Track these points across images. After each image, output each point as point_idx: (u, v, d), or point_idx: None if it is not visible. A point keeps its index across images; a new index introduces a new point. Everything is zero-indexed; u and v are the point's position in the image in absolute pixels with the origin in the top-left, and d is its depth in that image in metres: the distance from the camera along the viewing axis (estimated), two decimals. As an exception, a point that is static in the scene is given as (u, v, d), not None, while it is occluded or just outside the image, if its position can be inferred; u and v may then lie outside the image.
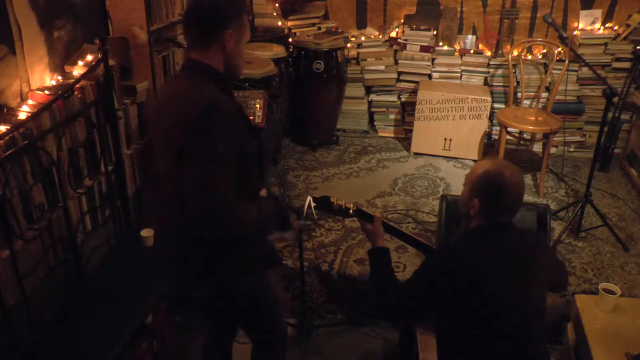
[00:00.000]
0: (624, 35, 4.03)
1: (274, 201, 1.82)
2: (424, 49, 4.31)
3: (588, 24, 4.17)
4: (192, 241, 1.66)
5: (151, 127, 1.75)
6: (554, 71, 4.04)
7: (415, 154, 4.27)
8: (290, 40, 4.31)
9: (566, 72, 3.88)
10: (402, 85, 4.44)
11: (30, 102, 2.16)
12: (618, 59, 4.08)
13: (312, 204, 1.93)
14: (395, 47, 4.42)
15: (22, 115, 2.05)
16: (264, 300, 1.97)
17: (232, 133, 1.55)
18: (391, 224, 2.05)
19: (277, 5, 4.38)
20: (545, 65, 4.19)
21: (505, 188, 1.75)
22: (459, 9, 4.37)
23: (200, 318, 2.15)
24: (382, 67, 4.42)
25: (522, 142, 4.38)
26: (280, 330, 2.10)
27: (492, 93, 4.22)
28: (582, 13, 4.17)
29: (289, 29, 4.42)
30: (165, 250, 1.82)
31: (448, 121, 4.11)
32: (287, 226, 1.89)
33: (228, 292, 1.80)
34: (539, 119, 3.79)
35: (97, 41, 2.33)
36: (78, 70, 2.41)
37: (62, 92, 2.16)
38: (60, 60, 2.41)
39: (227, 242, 1.66)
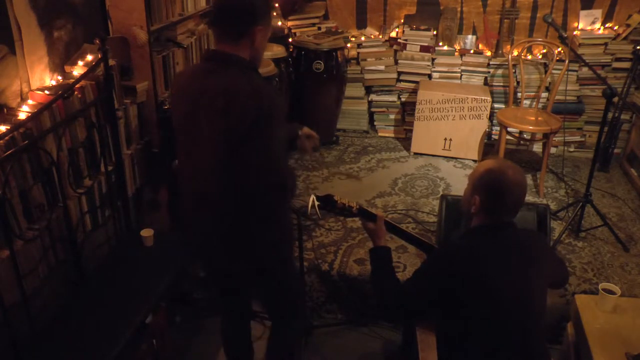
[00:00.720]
0: (624, 35, 4.03)
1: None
2: (424, 49, 4.31)
3: (588, 24, 4.17)
4: (248, 218, 1.78)
5: (190, 119, 1.77)
6: (554, 71, 4.04)
7: (415, 154, 4.28)
8: (290, 40, 4.32)
9: (566, 72, 3.88)
10: (402, 85, 4.44)
11: (30, 102, 2.16)
12: (618, 59, 4.08)
13: (316, 203, 1.92)
14: (395, 47, 4.42)
15: (22, 115, 2.05)
16: (295, 274, 2.14)
17: (284, 117, 1.76)
18: (393, 223, 2.05)
19: (277, 5, 4.37)
20: (545, 65, 4.19)
21: (506, 186, 1.75)
22: (459, 9, 4.37)
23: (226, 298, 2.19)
24: (382, 67, 4.42)
25: (522, 142, 4.38)
26: (302, 311, 2.24)
27: (492, 93, 4.22)
28: (582, 13, 4.17)
29: (289, 29, 4.43)
30: (213, 230, 1.87)
31: (448, 121, 4.11)
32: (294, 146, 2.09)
33: (275, 262, 1.93)
34: (539, 119, 3.79)
35: (97, 41, 2.33)
36: (78, 70, 2.41)
37: (62, 92, 2.16)
38: (60, 60, 2.41)
39: (276, 212, 1.84)
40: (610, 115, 3.88)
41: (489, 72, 4.31)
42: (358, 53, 4.44)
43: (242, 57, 1.73)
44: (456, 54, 4.34)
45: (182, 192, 1.94)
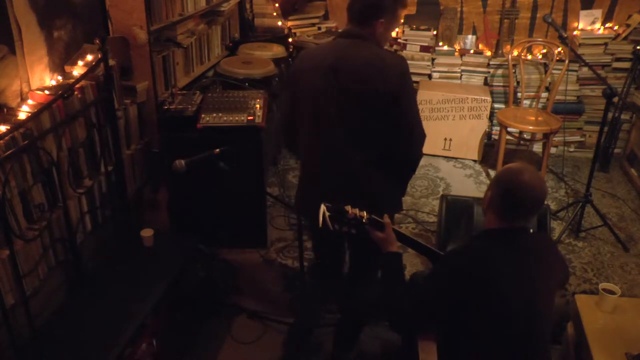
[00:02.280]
0: (624, 35, 4.03)
1: None
2: (424, 49, 4.31)
3: (588, 24, 4.17)
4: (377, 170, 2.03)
5: (330, 90, 1.95)
6: (554, 71, 4.04)
7: (415, 154, 4.27)
8: (290, 40, 4.31)
9: (566, 72, 3.88)
10: (402, 85, 4.43)
11: (30, 102, 2.16)
12: (618, 59, 4.08)
13: (327, 214, 1.88)
14: (395, 47, 4.42)
15: (22, 115, 2.05)
16: None
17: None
18: (399, 230, 2.02)
19: (277, 5, 4.38)
20: (545, 65, 4.19)
21: (517, 185, 1.73)
22: (459, 9, 4.37)
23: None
24: (382, 67, 4.41)
25: (522, 142, 4.38)
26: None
27: (492, 93, 4.22)
28: (582, 13, 4.17)
29: (289, 29, 4.43)
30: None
31: (448, 121, 4.11)
32: None
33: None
34: (539, 119, 3.79)
35: (97, 41, 2.33)
36: (78, 70, 2.41)
37: (62, 92, 2.16)
38: (60, 60, 2.41)
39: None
40: (610, 115, 3.88)
41: (489, 72, 4.31)
42: (358, 53, 4.43)
43: (366, 35, 1.99)
44: (456, 54, 4.34)
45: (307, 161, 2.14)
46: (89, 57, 2.45)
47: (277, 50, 3.90)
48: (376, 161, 2.01)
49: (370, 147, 1.99)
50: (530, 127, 3.72)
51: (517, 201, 1.75)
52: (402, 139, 1.97)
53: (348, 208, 1.87)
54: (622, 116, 4.04)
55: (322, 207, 1.84)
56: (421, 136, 2.01)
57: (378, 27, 1.99)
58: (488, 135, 4.34)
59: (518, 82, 4.15)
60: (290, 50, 4.16)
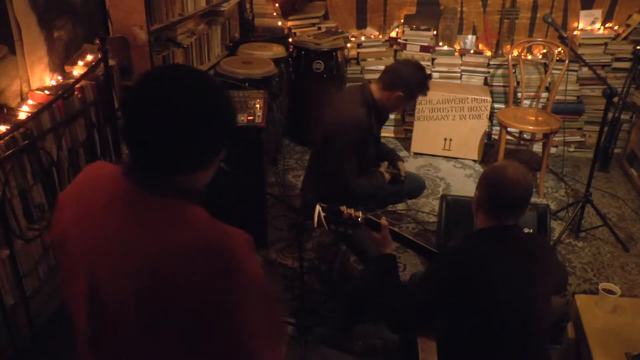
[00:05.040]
0: (624, 35, 4.03)
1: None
2: (424, 49, 4.31)
3: (588, 24, 4.17)
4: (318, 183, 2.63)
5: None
6: (554, 71, 4.04)
7: (415, 153, 4.27)
8: (290, 40, 4.31)
9: (566, 72, 3.88)
10: (402, 85, 4.43)
11: (30, 102, 2.16)
12: (618, 59, 4.08)
13: (322, 214, 1.87)
14: (395, 47, 4.42)
15: (22, 115, 2.05)
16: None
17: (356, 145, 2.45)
18: (397, 231, 2.01)
19: (277, 5, 4.38)
20: (545, 65, 4.19)
21: (502, 182, 1.74)
22: (459, 9, 4.37)
23: None
24: (382, 67, 4.40)
25: (522, 142, 4.38)
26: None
27: (492, 93, 4.22)
28: (582, 13, 4.17)
29: (289, 29, 4.43)
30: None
31: (448, 121, 4.11)
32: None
33: None
34: (539, 119, 3.79)
35: (97, 41, 2.33)
36: (78, 70, 2.41)
37: (62, 92, 2.16)
38: (60, 60, 2.41)
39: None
40: (610, 115, 3.88)
41: (489, 72, 4.31)
42: (358, 53, 4.44)
43: (376, 97, 2.47)
44: (456, 54, 4.34)
45: None
46: (89, 57, 2.45)
47: (277, 50, 3.90)
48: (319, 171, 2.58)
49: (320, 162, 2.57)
50: (530, 127, 3.72)
51: (502, 199, 1.75)
52: (327, 171, 2.50)
53: (343, 208, 1.87)
54: (622, 116, 4.04)
55: (317, 207, 1.84)
56: (340, 178, 2.45)
57: (392, 97, 2.44)
58: (488, 135, 4.34)
59: (518, 82, 4.15)
60: (290, 50, 4.16)
